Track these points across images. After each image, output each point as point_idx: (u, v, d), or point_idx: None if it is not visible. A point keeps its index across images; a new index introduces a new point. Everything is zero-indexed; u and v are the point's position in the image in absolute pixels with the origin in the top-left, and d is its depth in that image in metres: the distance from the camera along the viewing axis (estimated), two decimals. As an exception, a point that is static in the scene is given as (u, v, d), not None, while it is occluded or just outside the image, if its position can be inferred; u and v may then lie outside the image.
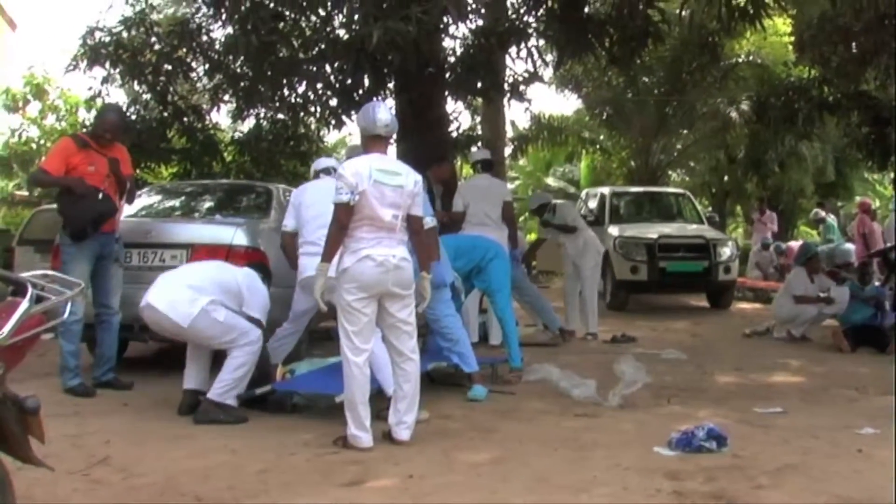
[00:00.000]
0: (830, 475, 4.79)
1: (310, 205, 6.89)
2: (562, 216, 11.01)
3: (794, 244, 16.37)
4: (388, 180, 5.34)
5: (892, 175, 18.01)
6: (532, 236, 19.76)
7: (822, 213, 19.25)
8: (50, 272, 3.35)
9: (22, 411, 3.09)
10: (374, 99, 11.80)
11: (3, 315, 2.94)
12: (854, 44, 13.70)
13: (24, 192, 22.44)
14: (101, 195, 6.91)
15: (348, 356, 5.35)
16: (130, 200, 7.52)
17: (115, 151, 7.24)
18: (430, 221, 6.69)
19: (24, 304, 2.96)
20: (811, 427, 5.99)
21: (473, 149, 14.31)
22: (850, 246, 16.09)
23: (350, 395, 5.38)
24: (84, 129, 13.42)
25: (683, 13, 13.45)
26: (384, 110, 5.60)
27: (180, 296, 6.11)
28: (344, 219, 5.27)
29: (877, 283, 11.74)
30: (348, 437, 5.37)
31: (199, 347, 6.31)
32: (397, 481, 4.73)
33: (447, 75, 12.00)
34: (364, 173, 5.28)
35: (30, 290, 2.99)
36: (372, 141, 5.54)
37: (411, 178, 5.50)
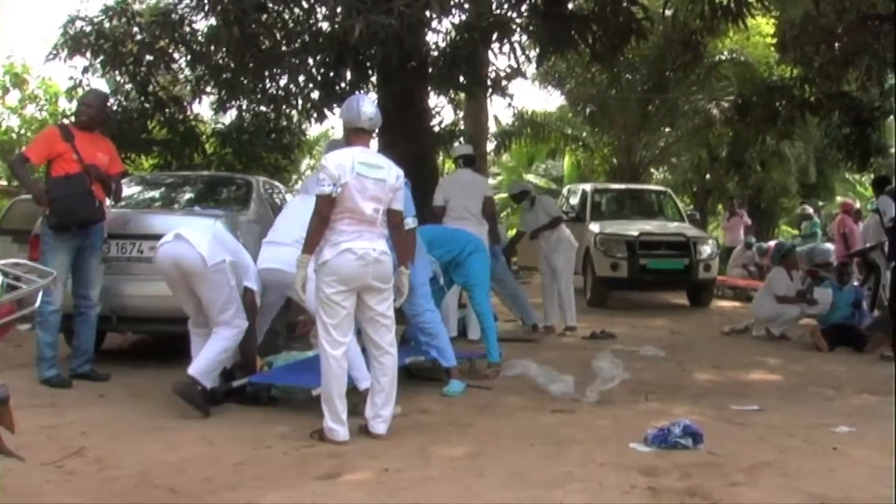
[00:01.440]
0: (805, 473, 4.80)
1: (287, 207, 7.03)
2: (546, 209, 10.95)
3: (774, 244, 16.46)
4: (370, 173, 5.34)
5: (872, 176, 18.11)
6: (513, 232, 19.69)
7: (809, 210, 19.41)
8: (21, 261, 3.32)
9: (-10, 401, 3.07)
10: (357, 92, 11.79)
11: (-27, 304, 2.92)
12: (836, 44, 13.77)
13: (3, 182, 22.28)
14: (96, 203, 6.92)
15: (326, 349, 5.33)
16: (117, 199, 7.50)
17: (102, 146, 7.23)
18: (410, 222, 6.69)
19: (-6, 294, 2.94)
20: (787, 425, 6.01)
21: (456, 144, 14.32)
22: (829, 245, 16.17)
23: (327, 387, 5.37)
24: (66, 119, 13.32)
25: (667, 11, 13.50)
26: (369, 104, 5.61)
27: (210, 239, 6.17)
28: (325, 210, 5.25)
29: (855, 283, 11.82)
30: (324, 431, 5.37)
31: (197, 320, 6.30)
32: (373, 475, 4.72)
33: (430, 69, 11.98)
34: (347, 165, 5.28)
35: (0, 279, 2.97)
36: (355, 134, 5.54)
37: (393, 173, 5.50)
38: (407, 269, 5.72)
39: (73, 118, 7.86)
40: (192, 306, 6.25)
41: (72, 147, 6.90)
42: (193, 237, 6.11)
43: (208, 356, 6.06)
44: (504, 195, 30.82)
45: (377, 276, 5.38)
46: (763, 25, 19.49)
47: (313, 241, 5.31)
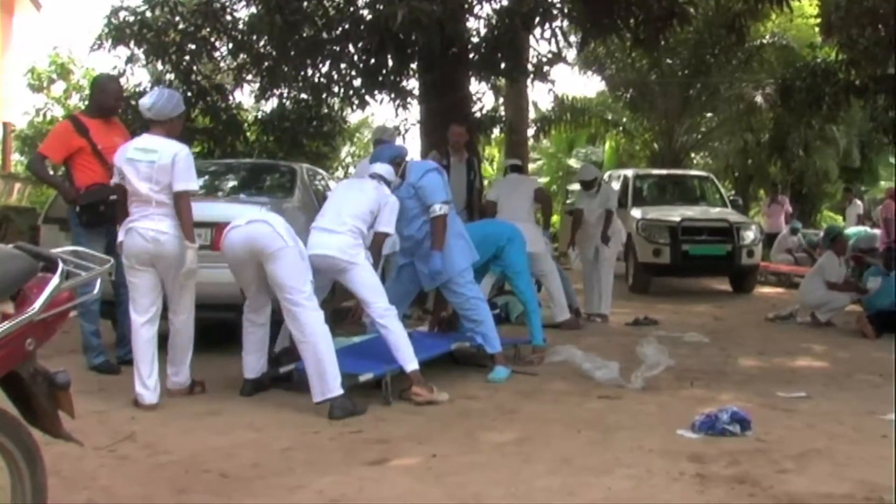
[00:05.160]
0: (855, 460, 4.78)
1: (336, 192, 7.07)
2: (604, 199, 10.76)
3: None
4: (142, 157, 5.96)
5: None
6: (555, 218, 19.44)
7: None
8: (80, 248, 3.37)
9: (52, 386, 3.12)
10: (399, 78, 11.85)
11: (35, 290, 2.96)
12: (882, 27, 13.56)
13: (49, 171, 22.58)
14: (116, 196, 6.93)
15: (135, 319, 6.03)
16: None
17: (118, 131, 7.19)
18: (437, 209, 6.71)
19: (55, 280, 2.98)
20: (835, 412, 5.97)
21: (497, 131, 14.36)
22: (874, 231, 15.96)
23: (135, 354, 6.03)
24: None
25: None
26: (149, 96, 6.21)
27: (283, 221, 6.20)
28: (120, 196, 6.17)
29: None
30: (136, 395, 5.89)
31: (255, 304, 6.29)
32: (421, 460, 4.75)
33: (471, 56, 11.96)
34: (121, 155, 6.08)
35: (60, 265, 3.02)
36: (150, 122, 6.18)
37: (168, 154, 5.96)
38: (192, 243, 5.98)
39: (88, 106, 7.82)
40: (255, 288, 6.23)
41: (88, 141, 6.86)
42: (270, 218, 6.12)
43: (321, 365, 5.77)
44: (545, 180, 30.83)
45: (159, 254, 5.93)
46: (806, 7, 19.24)
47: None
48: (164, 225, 5.92)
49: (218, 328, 6.91)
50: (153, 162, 5.91)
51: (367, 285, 6.30)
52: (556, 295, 9.75)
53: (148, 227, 5.90)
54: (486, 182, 12.36)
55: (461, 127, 10.30)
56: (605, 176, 17.92)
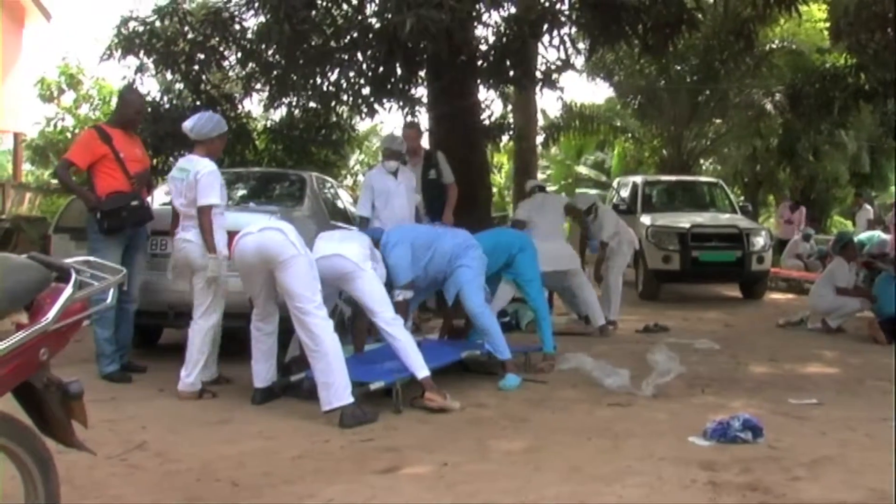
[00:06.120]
0: (867, 468, 4.77)
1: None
2: (601, 226, 10.73)
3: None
4: (178, 175, 6.63)
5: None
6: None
7: None
8: (92, 258, 3.39)
9: (65, 396, 3.14)
10: (408, 87, 11.88)
11: (48, 300, 2.99)
12: (891, 31, 13.52)
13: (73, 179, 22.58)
14: (145, 205, 7.11)
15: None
16: (150, 192, 7.65)
17: (137, 142, 7.37)
18: (397, 295, 6.70)
19: (68, 290, 3.00)
20: (847, 419, 5.95)
21: (506, 139, 14.37)
22: (885, 236, 15.89)
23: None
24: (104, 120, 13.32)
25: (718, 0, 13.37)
26: (191, 118, 6.72)
27: (294, 230, 6.28)
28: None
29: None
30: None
31: (263, 312, 6.32)
32: (432, 469, 4.75)
33: (479, 63, 11.97)
34: (171, 173, 6.82)
35: (73, 275, 3.04)
36: (194, 143, 6.73)
37: (192, 172, 6.52)
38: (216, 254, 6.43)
39: (112, 116, 7.98)
40: (263, 296, 6.26)
41: (111, 148, 6.98)
42: (282, 226, 6.15)
43: (331, 373, 5.80)
44: (554, 188, 30.87)
45: (186, 259, 6.55)
46: (815, 12, 19.19)
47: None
48: (189, 234, 6.52)
49: (228, 337, 6.92)
50: (183, 179, 6.53)
51: (374, 295, 6.31)
52: (592, 301, 10.03)
53: (179, 238, 6.60)
54: (494, 190, 12.31)
55: (410, 128, 10.41)
56: (615, 183, 17.94)
